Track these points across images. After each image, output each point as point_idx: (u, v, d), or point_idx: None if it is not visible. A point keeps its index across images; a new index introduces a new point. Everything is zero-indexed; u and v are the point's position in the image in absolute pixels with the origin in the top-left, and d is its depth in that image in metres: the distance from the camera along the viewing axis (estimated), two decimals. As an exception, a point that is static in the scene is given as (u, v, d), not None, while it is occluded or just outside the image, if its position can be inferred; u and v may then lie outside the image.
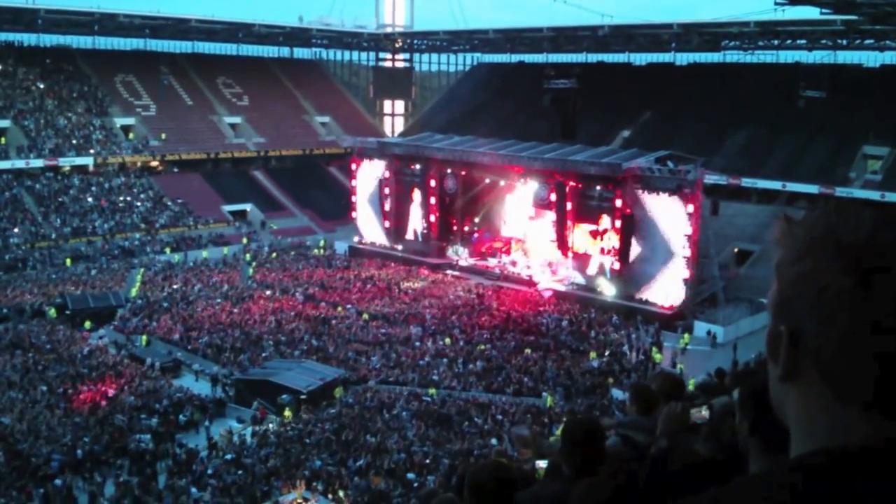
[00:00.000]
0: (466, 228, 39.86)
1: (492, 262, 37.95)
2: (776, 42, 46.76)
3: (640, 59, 54.89)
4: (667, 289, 30.95)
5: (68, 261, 37.15)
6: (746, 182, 39.94)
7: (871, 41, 42.85)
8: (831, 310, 0.71)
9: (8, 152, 43.66)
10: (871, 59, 44.92)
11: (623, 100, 47.94)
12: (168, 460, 19.39)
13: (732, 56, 49.62)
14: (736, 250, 36.80)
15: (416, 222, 40.50)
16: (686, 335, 28.33)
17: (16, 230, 39.24)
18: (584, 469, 2.53)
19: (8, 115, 45.73)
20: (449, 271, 37.44)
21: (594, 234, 33.25)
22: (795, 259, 0.75)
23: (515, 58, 60.80)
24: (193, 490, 17.65)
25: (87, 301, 31.22)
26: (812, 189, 38.03)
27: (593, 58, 55.81)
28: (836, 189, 37.77)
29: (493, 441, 19.90)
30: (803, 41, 45.64)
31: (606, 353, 26.62)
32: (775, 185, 39.29)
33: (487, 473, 2.50)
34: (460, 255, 38.84)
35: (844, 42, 43.98)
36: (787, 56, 47.81)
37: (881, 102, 39.32)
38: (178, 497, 17.26)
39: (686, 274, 30.42)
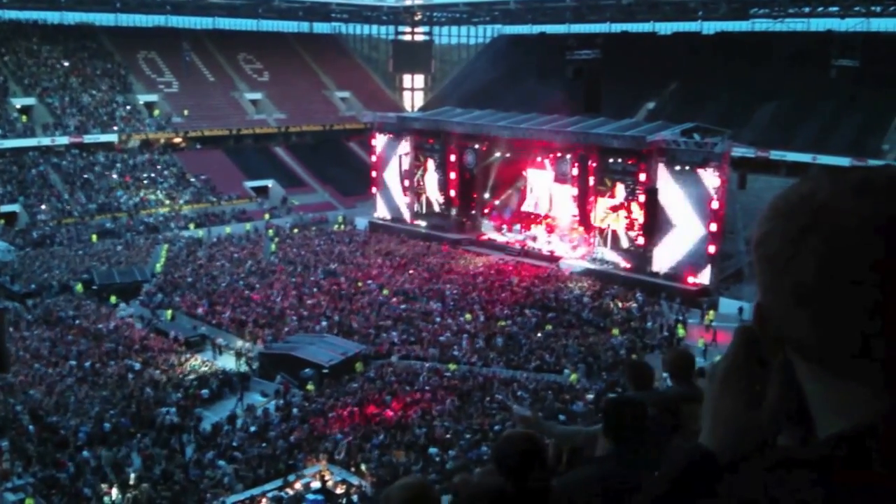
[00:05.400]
0: (487, 204, 39.55)
1: (512, 237, 37.69)
2: (807, 9, 45.12)
3: (665, 28, 53.43)
4: (692, 264, 30.47)
5: (94, 237, 37.70)
6: (775, 155, 38.91)
7: (908, 7, 41.20)
8: (774, 276, 0.67)
9: (34, 130, 44.19)
10: (907, 25, 43.22)
11: (648, 71, 46.80)
12: (192, 433, 19.73)
13: (761, 24, 48.05)
14: (763, 225, 36.01)
15: (432, 193, 40.33)
16: (711, 311, 27.92)
17: (43, 207, 39.86)
18: (629, 447, 2.57)
19: (33, 93, 46.18)
20: (469, 247, 37.27)
21: (617, 208, 32.76)
22: (758, 226, 0.71)
23: (536, 29, 59.60)
24: (219, 462, 17.99)
25: (113, 276, 31.70)
26: (844, 161, 36.76)
27: (617, 28, 54.44)
28: (868, 161, 36.62)
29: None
30: (835, 8, 43.96)
31: (629, 329, 26.37)
32: (805, 157, 38.20)
33: (513, 444, 2.42)
34: (481, 230, 38.61)
35: (878, 9, 42.31)
36: (818, 24, 46.11)
37: (918, 71, 37.88)
38: (203, 469, 17.60)
39: (712, 249, 29.90)
